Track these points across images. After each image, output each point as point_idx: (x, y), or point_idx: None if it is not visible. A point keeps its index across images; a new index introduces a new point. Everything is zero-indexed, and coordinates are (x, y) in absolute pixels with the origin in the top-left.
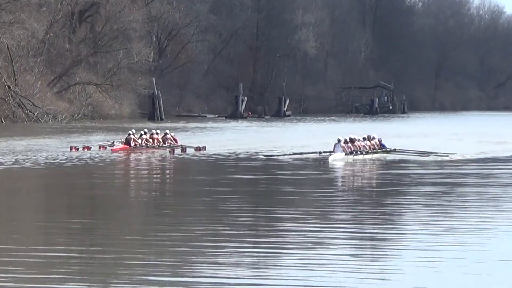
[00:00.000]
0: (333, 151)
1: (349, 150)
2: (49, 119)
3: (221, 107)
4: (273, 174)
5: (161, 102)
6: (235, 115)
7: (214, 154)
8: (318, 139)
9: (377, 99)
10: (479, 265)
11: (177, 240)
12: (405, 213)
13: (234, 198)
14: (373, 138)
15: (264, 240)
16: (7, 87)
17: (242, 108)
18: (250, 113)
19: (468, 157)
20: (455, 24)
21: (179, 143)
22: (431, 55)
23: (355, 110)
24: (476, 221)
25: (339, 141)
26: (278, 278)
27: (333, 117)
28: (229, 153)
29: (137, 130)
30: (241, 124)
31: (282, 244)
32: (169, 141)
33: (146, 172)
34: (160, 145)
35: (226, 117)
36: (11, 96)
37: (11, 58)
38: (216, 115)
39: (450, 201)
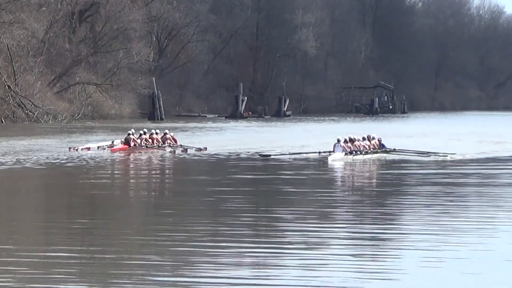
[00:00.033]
0: (333, 151)
1: (349, 150)
2: (49, 119)
3: (221, 107)
4: (273, 174)
5: (161, 102)
6: (235, 115)
7: (214, 154)
8: (318, 139)
9: (377, 99)
10: (480, 265)
11: (177, 240)
12: (405, 213)
13: (234, 198)
14: (373, 138)
15: (264, 240)
16: (7, 87)
17: (242, 108)
18: (250, 113)
19: (468, 157)
20: (455, 24)
21: (178, 143)
22: (431, 55)
23: (355, 110)
24: (477, 221)
25: (338, 141)
26: (279, 278)
27: (333, 117)
28: (229, 153)
29: (137, 130)
30: (241, 124)
31: (282, 244)
32: (169, 141)
33: (146, 172)
34: (160, 145)
35: (226, 117)
36: (11, 96)
37: (11, 58)
38: (216, 115)
39: (450, 201)
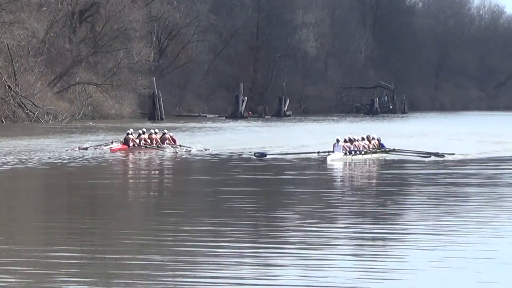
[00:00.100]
0: (332, 151)
1: (348, 150)
2: (50, 119)
3: (222, 107)
4: (273, 174)
5: (161, 102)
6: (235, 115)
7: (214, 154)
8: (317, 139)
9: (377, 99)
10: (481, 265)
11: (177, 240)
12: (405, 213)
13: (234, 198)
14: (373, 138)
15: (264, 240)
16: (7, 87)
17: (242, 108)
18: (250, 113)
19: (468, 157)
20: (455, 24)
21: (178, 143)
22: (431, 55)
23: (356, 110)
24: (478, 221)
25: (338, 141)
26: (279, 278)
27: (333, 117)
28: (230, 153)
29: (137, 130)
30: (241, 124)
31: (283, 244)
32: (168, 141)
33: (146, 172)
34: (159, 145)
35: (226, 117)
36: (12, 96)
37: (11, 58)
38: (217, 115)
39: (450, 201)
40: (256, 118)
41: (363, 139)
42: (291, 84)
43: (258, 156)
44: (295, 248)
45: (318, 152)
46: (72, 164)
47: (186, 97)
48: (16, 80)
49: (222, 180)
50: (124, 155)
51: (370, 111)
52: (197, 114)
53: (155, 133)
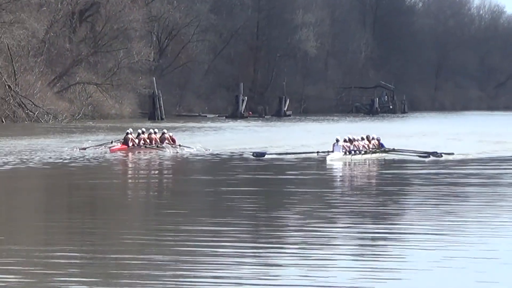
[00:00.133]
0: (332, 151)
1: (348, 149)
2: (50, 119)
3: (222, 107)
4: (272, 174)
5: (162, 102)
6: (235, 115)
7: (214, 154)
8: (317, 139)
9: (377, 99)
10: (481, 265)
11: (177, 240)
12: (405, 213)
13: (234, 198)
14: (372, 138)
15: (264, 240)
16: (7, 87)
17: (242, 108)
18: (250, 112)
19: (468, 157)
20: (455, 24)
21: (177, 143)
22: (431, 55)
23: (356, 110)
24: (478, 221)
25: (337, 140)
26: (280, 278)
27: (333, 117)
28: (229, 153)
29: (137, 130)
30: (241, 124)
31: (283, 244)
32: (167, 141)
33: (145, 172)
34: (158, 145)
35: (226, 117)
36: (12, 95)
37: (11, 58)
38: (217, 115)
39: (450, 201)
40: (256, 118)
41: (362, 139)
42: (291, 84)
43: (256, 156)
44: (295, 248)
45: (318, 152)
46: (72, 164)
47: (186, 97)
48: (16, 80)
49: (222, 180)
50: (124, 155)
51: (370, 111)
52: (197, 114)
53: (155, 133)
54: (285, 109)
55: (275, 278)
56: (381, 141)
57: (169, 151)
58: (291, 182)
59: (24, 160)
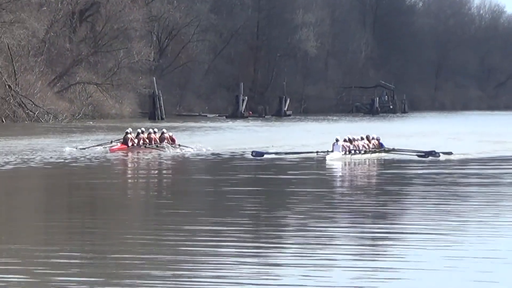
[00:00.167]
0: (331, 151)
1: (348, 149)
2: (50, 118)
3: (222, 107)
4: (272, 173)
5: (162, 102)
6: (235, 115)
7: (214, 154)
8: (317, 139)
9: (377, 98)
10: (481, 265)
11: (177, 240)
12: (405, 212)
13: (234, 198)
14: (372, 138)
15: (265, 239)
16: (7, 87)
17: (242, 107)
18: (250, 112)
19: (468, 156)
20: (456, 24)
21: (177, 142)
22: (431, 54)
23: (356, 110)
24: (478, 221)
25: (337, 140)
26: (279, 278)
27: (333, 117)
28: (229, 152)
29: (136, 129)
30: (241, 124)
31: (283, 244)
32: (166, 140)
33: (145, 172)
34: (158, 144)
35: (226, 117)
36: (12, 95)
37: (11, 58)
38: (217, 115)
39: (450, 200)
40: (256, 118)
41: (362, 138)
42: (291, 83)
43: (255, 155)
44: (295, 248)
45: (317, 152)
46: (71, 164)
47: (186, 97)
48: (16, 79)
49: (222, 179)
50: (124, 155)
51: (370, 110)
52: (197, 114)
53: (154, 132)
54: (285, 109)
55: (275, 278)
56: (380, 141)
57: (168, 151)
58: (291, 182)
59: (25, 160)
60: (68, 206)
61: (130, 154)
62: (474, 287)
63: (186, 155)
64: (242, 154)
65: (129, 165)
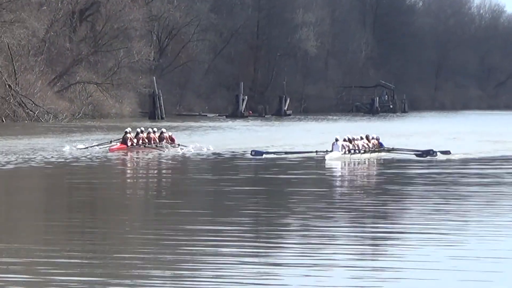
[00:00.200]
0: (331, 150)
1: (347, 149)
2: (50, 118)
3: (222, 106)
4: (272, 173)
5: (162, 101)
6: (235, 114)
7: (214, 154)
8: (317, 139)
9: (377, 98)
10: (481, 264)
11: (177, 240)
12: (405, 212)
13: (234, 198)
14: (372, 137)
15: (265, 239)
16: (7, 86)
17: (242, 107)
18: (250, 112)
19: (468, 156)
20: (456, 23)
21: (176, 142)
22: (431, 54)
23: (356, 109)
24: (478, 221)
25: (337, 140)
26: (280, 278)
27: (333, 116)
28: (229, 152)
29: (136, 129)
30: (241, 123)
31: (283, 244)
32: (166, 140)
33: (145, 171)
34: (157, 144)
35: (226, 116)
36: (12, 95)
37: (11, 57)
38: (217, 114)
39: (450, 200)
40: (256, 117)
41: (362, 138)
42: (291, 83)
43: (254, 155)
44: (295, 248)
45: (317, 152)
46: (71, 164)
47: (187, 96)
48: (16, 79)
49: (222, 179)
50: (123, 154)
51: (370, 110)
52: (198, 113)
53: (153, 132)
54: (285, 108)
55: (276, 278)
56: (380, 141)
57: (168, 151)
58: (291, 181)
59: (25, 160)
60: (68, 206)
61: (129, 153)
62: (475, 286)
63: (186, 155)
64: (243, 154)
65: (129, 165)
